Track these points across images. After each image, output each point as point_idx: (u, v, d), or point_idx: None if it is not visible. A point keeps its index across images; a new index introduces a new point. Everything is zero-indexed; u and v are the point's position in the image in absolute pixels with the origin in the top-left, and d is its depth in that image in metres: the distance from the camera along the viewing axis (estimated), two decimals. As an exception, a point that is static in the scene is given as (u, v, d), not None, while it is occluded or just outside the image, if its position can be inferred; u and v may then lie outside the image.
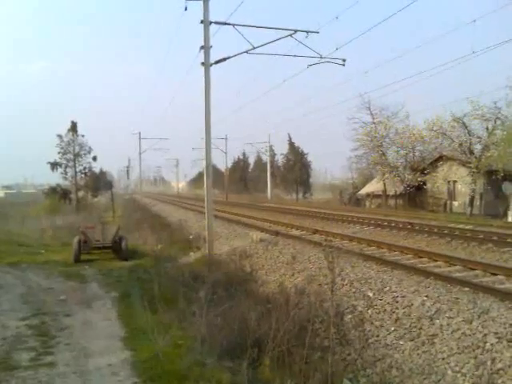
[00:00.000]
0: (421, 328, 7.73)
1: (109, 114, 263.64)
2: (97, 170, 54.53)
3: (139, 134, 76.29)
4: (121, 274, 13.75)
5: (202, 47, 16.67)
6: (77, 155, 44.28)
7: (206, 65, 16.67)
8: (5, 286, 12.30)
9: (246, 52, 16.93)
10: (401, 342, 7.69)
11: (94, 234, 17.40)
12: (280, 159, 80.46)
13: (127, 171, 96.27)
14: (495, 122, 32.26)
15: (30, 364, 6.67)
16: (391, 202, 42.70)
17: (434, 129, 35.79)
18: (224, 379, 5.92)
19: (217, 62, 17.03)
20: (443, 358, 6.81)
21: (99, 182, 57.83)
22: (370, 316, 8.78)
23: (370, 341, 8.14)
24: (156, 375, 6.04)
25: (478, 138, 33.39)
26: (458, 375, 6.35)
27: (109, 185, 58.02)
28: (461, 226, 19.90)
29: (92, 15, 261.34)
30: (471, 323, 7.19)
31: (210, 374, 6.06)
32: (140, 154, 77.79)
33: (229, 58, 17.17)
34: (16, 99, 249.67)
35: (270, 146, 69.36)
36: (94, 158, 45.46)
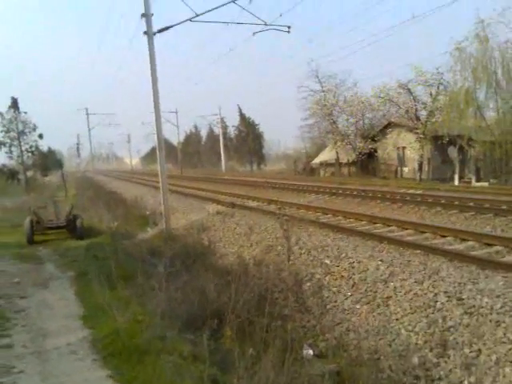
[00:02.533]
0: (376, 291, 8.00)
1: (55, 92, 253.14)
2: (45, 149, 52.61)
3: (86, 109, 74.23)
4: (77, 253, 13.47)
5: (143, 15, 15.98)
6: (21, 133, 42.58)
7: (149, 34, 16.09)
8: (-47, 272, 11.84)
9: (190, 20, 16.34)
10: (357, 306, 7.94)
11: (46, 213, 16.91)
12: (232, 131, 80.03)
13: (77, 148, 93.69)
14: (438, 87, 32.94)
15: (-15, 348, 6.51)
16: (344, 170, 43.39)
17: (381, 96, 36.25)
18: (185, 351, 5.96)
19: (160, 31, 16.39)
20: (397, 319, 7.09)
21: (48, 161, 55.93)
22: (328, 283, 9.01)
23: (328, 307, 8.37)
24: (116, 351, 6.01)
25: (423, 103, 34.03)
26: (412, 334, 6.64)
27: (59, 163, 56.26)
28: (411, 191, 20.55)
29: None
30: (423, 284, 7.49)
31: (172, 347, 6.09)
32: (89, 130, 75.90)
33: (172, 26, 16.50)
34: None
35: (222, 118, 68.92)
36: (40, 136, 43.89)
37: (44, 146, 49.56)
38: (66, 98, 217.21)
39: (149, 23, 16.12)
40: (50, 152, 61.23)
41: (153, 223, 18.43)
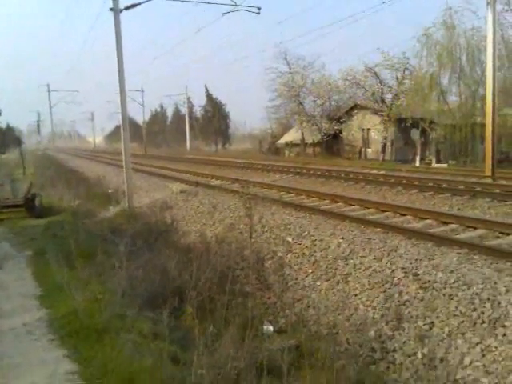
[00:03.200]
0: (336, 268, 8.12)
1: (16, 68, 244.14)
2: (3, 126, 50.93)
3: (48, 86, 72.17)
4: (35, 232, 13.12)
5: (109, -10, 15.69)
6: (-22, 109, 41.12)
7: (116, 10, 15.76)
8: None
9: (158, -3, 16.13)
10: (318, 283, 8.05)
11: (2, 192, 16.44)
12: (198, 111, 79.24)
13: (38, 126, 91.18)
14: (404, 72, 33.46)
15: None
16: (309, 150, 43.68)
17: (349, 78, 36.60)
18: (145, 329, 5.93)
19: (127, 8, 16.09)
20: (356, 295, 7.23)
21: (6, 138, 54.22)
22: (290, 260, 9.09)
23: (289, 284, 8.46)
24: (74, 331, 5.91)
25: (389, 87, 34.56)
26: (369, 309, 6.79)
27: (17, 140, 54.62)
28: (374, 171, 20.88)
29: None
30: (381, 260, 7.64)
31: (131, 325, 6.03)
32: (50, 107, 73.86)
33: (139, 3, 16.23)
34: None
35: (188, 98, 68.17)
36: (-2, 112, 42.48)
37: (2, 122, 47.97)
38: (28, 74, 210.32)
39: (115, -1, 15.69)
40: (9, 129, 59.32)
41: (115, 202, 18.14)
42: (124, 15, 16.03)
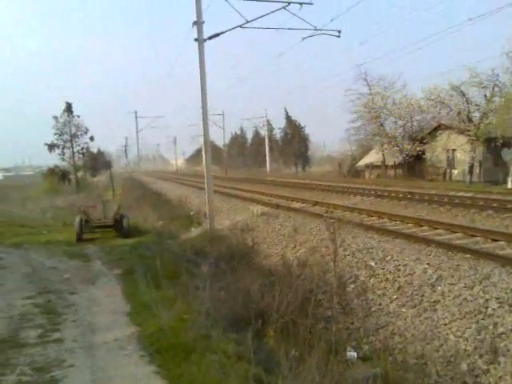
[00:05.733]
0: (423, 295, 7.82)
1: (106, 95, 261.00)
2: (95, 150, 54.22)
3: (135, 112, 76.04)
4: (123, 252, 13.80)
5: (194, 23, 16.45)
6: (73, 136, 44.08)
7: (200, 40, 16.49)
8: (9, 266, 12.35)
9: (240, 26, 16.67)
10: (403, 310, 7.79)
11: (95, 213, 17.40)
12: (278, 133, 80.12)
13: (125, 150, 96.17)
14: (493, 89, 32.02)
15: (37, 341, 6.73)
16: (390, 172, 42.66)
17: (432, 98, 35.49)
18: (230, 350, 5.99)
19: (210, 38, 16.83)
20: (445, 324, 6.90)
21: (97, 162, 57.63)
22: (373, 285, 8.88)
23: (372, 309, 8.25)
24: (162, 348, 6.11)
25: (477, 105, 33.16)
26: (460, 340, 6.44)
27: (107, 164, 57.84)
28: (461, 193, 19.93)
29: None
30: (472, 289, 7.26)
31: (216, 346, 6.13)
32: (137, 132, 77.62)
33: (222, 33, 16.96)
34: (14, 79, 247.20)
35: (268, 121, 69.18)
36: (91, 138, 45.34)
37: (94, 147, 51.08)
38: (116, 101, 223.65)
39: (200, 30, 16.53)
40: (100, 153, 63.02)
41: (197, 223, 18.65)
42: (208, 43, 16.73)
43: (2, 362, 5.97)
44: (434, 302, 7.50)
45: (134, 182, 54.34)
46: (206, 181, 17.50)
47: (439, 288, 7.74)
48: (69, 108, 43.85)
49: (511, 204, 14.96)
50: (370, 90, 42.50)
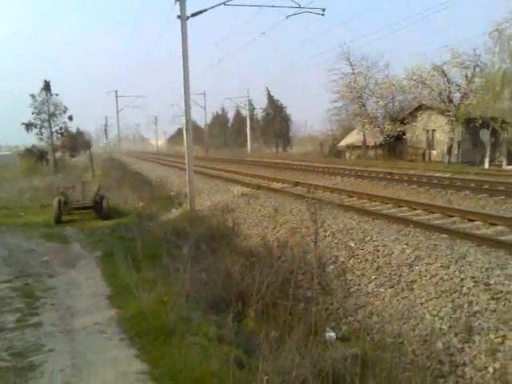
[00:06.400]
0: (400, 275, 7.92)
1: (85, 73, 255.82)
2: (73, 130, 53.22)
3: (116, 92, 74.92)
4: (103, 234, 13.70)
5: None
6: (52, 115, 43.08)
7: (183, 18, 16.25)
8: (-15, 250, 12.19)
9: (223, 4, 16.42)
10: (381, 290, 7.89)
11: (74, 194, 17.15)
12: (259, 113, 79.79)
13: (105, 130, 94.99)
14: (474, 69, 32.24)
15: (16, 325, 6.68)
16: (371, 152, 42.93)
17: (414, 78, 35.62)
18: (210, 332, 6.02)
19: (193, 15, 16.56)
20: (422, 303, 7.01)
21: (76, 142, 56.72)
22: (352, 266, 8.96)
23: (351, 290, 8.34)
24: (143, 332, 6.11)
25: (458, 86, 33.37)
26: (436, 319, 6.57)
27: (87, 144, 57.01)
28: (439, 174, 20.19)
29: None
30: (449, 268, 7.38)
31: (197, 328, 6.17)
32: (117, 112, 76.61)
33: (205, 10, 16.67)
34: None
35: (249, 101, 68.82)
36: (70, 118, 44.35)
37: (73, 127, 50.10)
38: (96, 79, 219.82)
39: (183, 7, 16.27)
40: (79, 133, 61.95)
41: (178, 204, 18.56)
42: (190, 21, 16.47)
43: (-21, 347, 5.92)
44: (412, 281, 7.61)
45: (114, 162, 53.79)
46: (187, 161, 17.39)
47: (416, 268, 7.84)
48: (47, 86, 42.76)
49: (487, 184, 15.21)
50: (353, 69, 42.39)
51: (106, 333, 6.31)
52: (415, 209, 12.15)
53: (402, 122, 38.41)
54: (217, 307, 7.32)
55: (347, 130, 49.73)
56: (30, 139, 45.77)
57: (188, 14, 16.40)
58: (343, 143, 48.19)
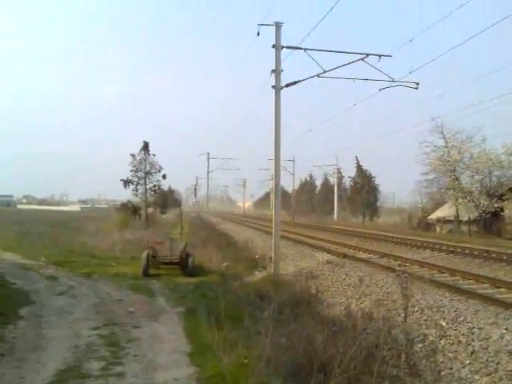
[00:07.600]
0: (499, 363, 7.28)
1: (179, 135, 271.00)
2: (165, 188, 55.94)
3: (208, 154, 78.28)
4: (187, 290, 13.94)
5: (273, 71, 17.02)
6: (147, 173, 45.73)
7: (277, 88, 16.99)
8: (79, 296, 12.81)
9: (317, 76, 17.08)
10: (476, 377, 7.26)
11: (162, 249, 17.78)
12: (347, 182, 79.58)
13: (195, 189, 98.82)
14: None
15: (100, 373, 6.84)
16: (464, 228, 40.87)
17: (513, 153, 34.13)
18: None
19: (287, 86, 17.32)
20: (524, 397, 6.34)
21: (167, 200, 59.40)
22: (443, 347, 8.38)
23: (442, 373, 7.75)
24: (221, 393, 6.02)
25: None
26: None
27: (177, 202, 59.56)
28: (543, 255, 18.67)
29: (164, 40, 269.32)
30: (557, 361, 6.67)
31: (276, 396, 5.97)
32: (208, 173, 79.67)
33: (299, 81, 17.41)
34: (96, 121, 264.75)
35: (338, 169, 69.08)
36: (164, 176, 46.78)
37: (165, 185, 52.62)
38: (189, 142, 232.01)
39: (278, 78, 17.07)
40: (170, 191, 64.89)
41: (261, 267, 18.59)
42: (283, 90, 17.14)
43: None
44: (511, 371, 6.94)
45: (202, 221, 55.36)
46: (273, 225, 17.54)
47: (518, 356, 7.16)
48: (146, 146, 45.70)
49: None
50: (446, 142, 41.44)
51: (184, 390, 6.28)
52: (516, 291, 11.24)
53: (500, 198, 36.50)
54: (297, 375, 7.06)
55: (437, 203, 48.07)
56: (126, 194, 48.51)
57: (282, 84, 17.13)
58: (433, 216, 46.45)
